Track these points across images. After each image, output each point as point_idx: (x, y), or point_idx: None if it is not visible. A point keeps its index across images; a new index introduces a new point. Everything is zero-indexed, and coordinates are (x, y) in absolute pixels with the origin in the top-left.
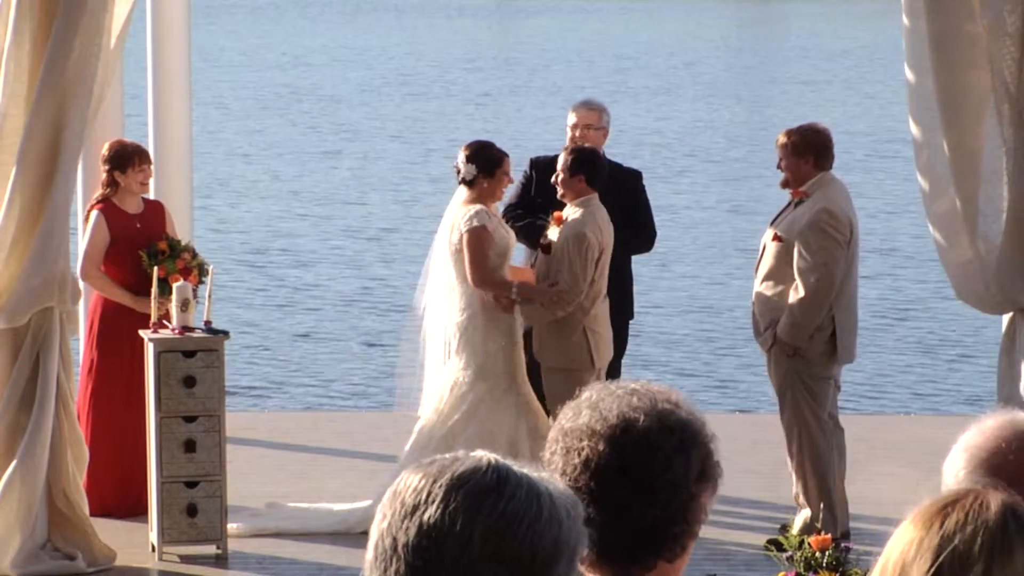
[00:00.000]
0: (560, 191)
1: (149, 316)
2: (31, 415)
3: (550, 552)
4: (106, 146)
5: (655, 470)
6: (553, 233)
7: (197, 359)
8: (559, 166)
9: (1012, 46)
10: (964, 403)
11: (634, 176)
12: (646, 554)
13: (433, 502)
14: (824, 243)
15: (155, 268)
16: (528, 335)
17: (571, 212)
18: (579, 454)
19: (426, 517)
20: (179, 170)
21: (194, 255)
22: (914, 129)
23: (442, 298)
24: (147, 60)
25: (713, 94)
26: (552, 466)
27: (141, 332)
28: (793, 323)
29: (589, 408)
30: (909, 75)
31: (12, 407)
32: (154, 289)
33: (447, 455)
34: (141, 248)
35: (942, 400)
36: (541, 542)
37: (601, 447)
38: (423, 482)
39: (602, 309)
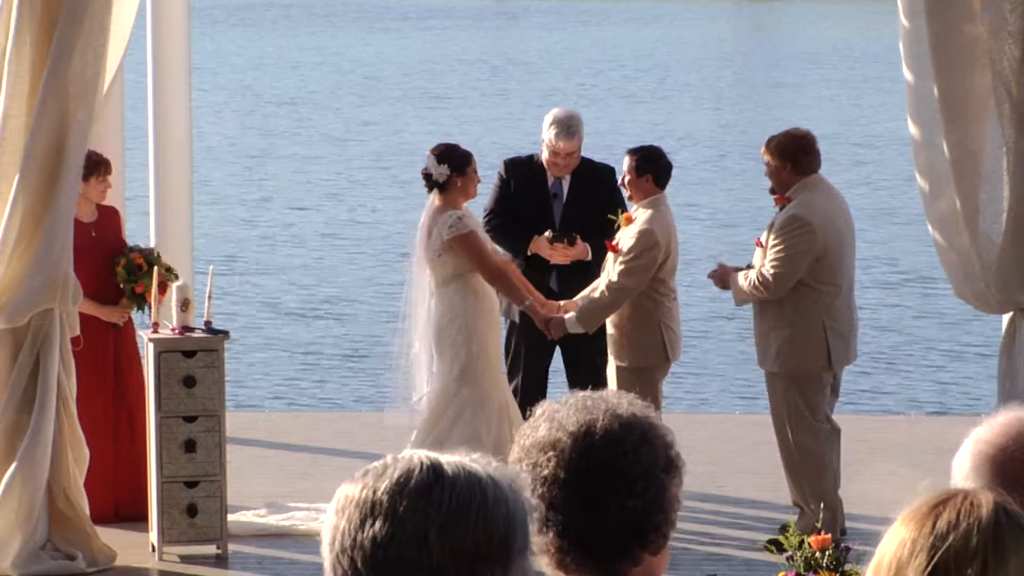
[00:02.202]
0: (627, 192)
1: (111, 324)
2: (31, 415)
3: (504, 530)
4: None
5: (625, 463)
6: (621, 234)
7: (197, 359)
8: (624, 167)
9: (1013, 46)
10: (964, 404)
11: (608, 173)
12: (631, 548)
13: (380, 513)
14: (784, 246)
15: (156, 273)
16: (523, 328)
17: (639, 213)
18: (546, 466)
19: (377, 528)
20: (179, 172)
21: (168, 268)
22: (913, 130)
23: (423, 303)
24: (147, 61)
25: (684, 99)
26: None
27: (141, 332)
28: (740, 288)
29: (546, 421)
30: (908, 76)
31: (12, 407)
32: (154, 288)
33: (376, 463)
34: (99, 256)
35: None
36: (494, 523)
37: (567, 454)
38: (364, 493)
39: (675, 306)
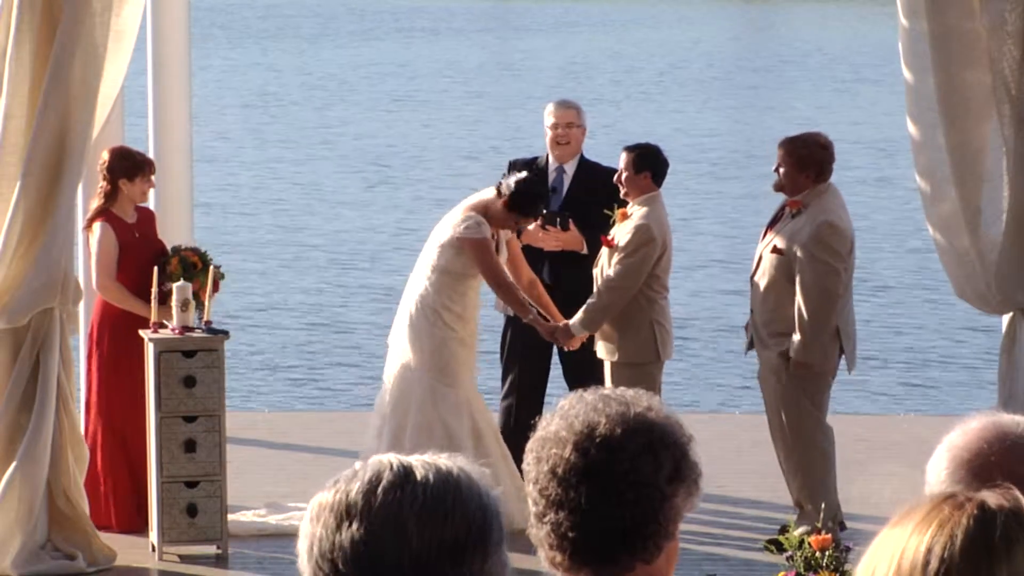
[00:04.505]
0: (623, 190)
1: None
2: (31, 415)
3: (481, 520)
4: (107, 152)
5: (619, 471)
6: (616, 229)
7: (197, 359)
8: (622, 164)
9: (1013, 46)
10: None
11: (610, 173)
12: (620, 555)
13: (356, 513)
14: (827, 257)
15: (162, 269)
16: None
17: (635, 210)
18: (547, 461)
19: (355, 528)
20: (180, 174)
21: (217, 266)
22: (913, 130)
23: (415, 282)
24: (147, 63)
25: (665, 103)
26: (528, 476)
27: (141, 332)
28: (805, 342)
29: (559, 417)
30: (907, 75)
31: (12, 407)
32: (154, 288)
33: (347, 471)
34: (142, 256)
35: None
36: (470, 513)
37: (566, 453)
38: (338, 497)
39: (666, 304)
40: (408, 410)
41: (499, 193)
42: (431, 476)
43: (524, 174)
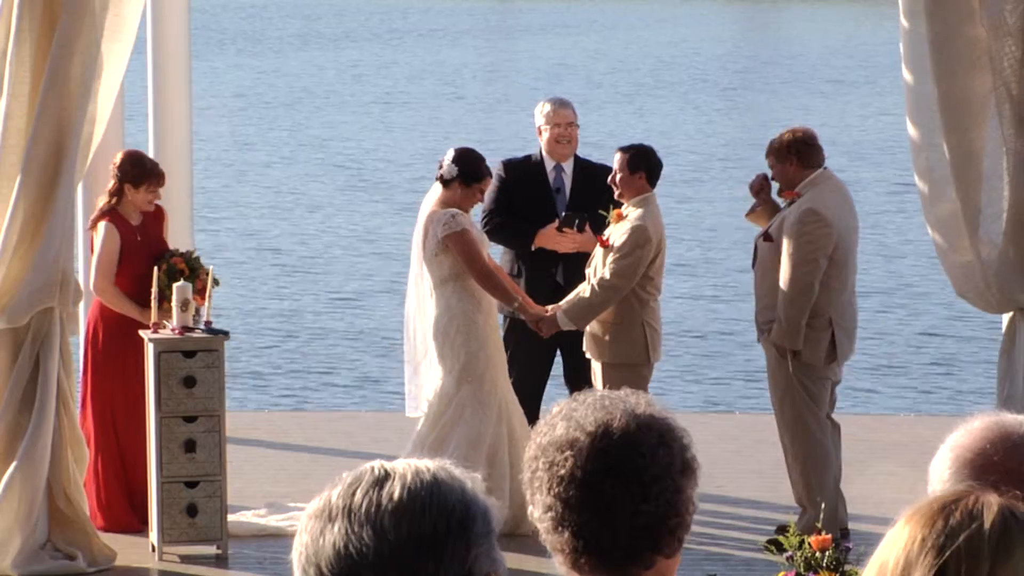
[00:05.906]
0: (618, 191)
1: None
2: (31, 415)
3: (462, 512)
4: (121, 155)
5: (641, 466)
6: (611, 230)
7: (197, 359)
8: (616, 164)
9: (1013, 46)
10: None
11: (605, 172)
12: (644, 551)
13: (336, 516)
14: (805, 244)
15: (156, 275)
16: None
17: (631, 210)
18: (563, 465)
19: (336, 530)
20: (179, 176)
21: (207, 272)
22: (912, 131)
23: (422, 301)
24: (147, 65)
25: (642, 103)
26: (537, 483)
27: (141, 332)
28: (780, 325)
29: (564, 420)
30: (907, 77)
31: (12, 407)
32: (154, 289)
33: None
34: (143, 259)
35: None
36: (449, 505)
37: (584, 454)
38: (321, 504)
39: (657, 306)
40: (452, 424)
41: (445, 180)
42: (409, 475)
43: (451, 151)
